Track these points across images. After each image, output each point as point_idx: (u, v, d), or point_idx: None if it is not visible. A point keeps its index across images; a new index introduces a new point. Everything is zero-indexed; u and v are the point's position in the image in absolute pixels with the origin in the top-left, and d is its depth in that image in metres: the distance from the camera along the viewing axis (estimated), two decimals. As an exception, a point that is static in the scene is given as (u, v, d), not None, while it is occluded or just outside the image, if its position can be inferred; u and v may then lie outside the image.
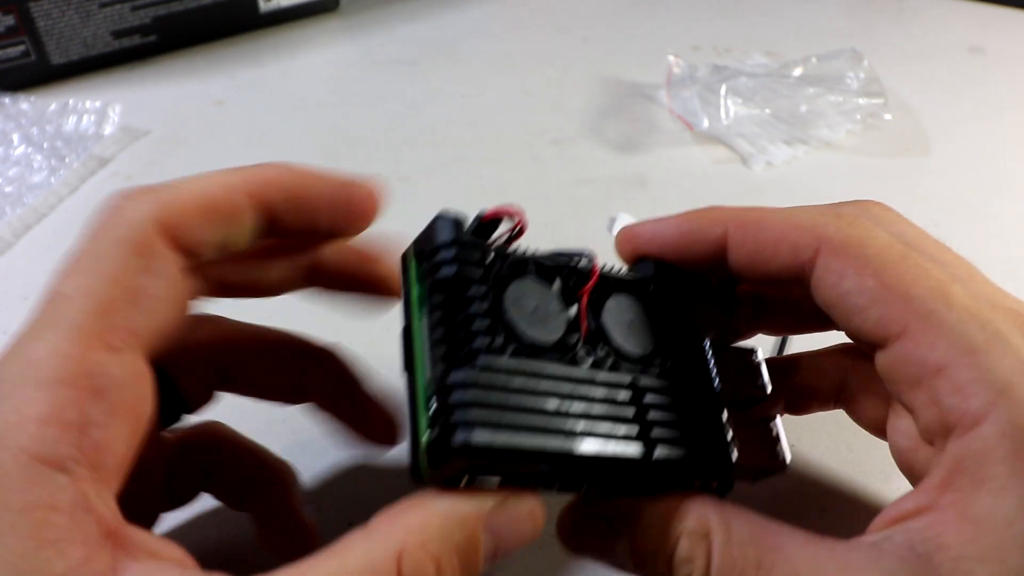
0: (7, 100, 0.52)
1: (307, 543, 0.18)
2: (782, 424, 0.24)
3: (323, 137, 0.50)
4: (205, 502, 0.26)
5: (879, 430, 0.25)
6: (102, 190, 0.45)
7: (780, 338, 0.33)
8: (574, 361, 0.21)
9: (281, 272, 0.24)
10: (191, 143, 0.49)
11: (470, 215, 0.21)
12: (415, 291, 0.21)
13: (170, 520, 0.27)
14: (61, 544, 0.16)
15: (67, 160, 0.47)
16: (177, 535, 0.27)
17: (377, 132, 0.50)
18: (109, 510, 0.17)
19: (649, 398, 0.21)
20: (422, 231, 0.21)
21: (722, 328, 0.24)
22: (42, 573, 0.15)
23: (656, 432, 0.21)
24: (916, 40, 0.62)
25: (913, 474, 0.23)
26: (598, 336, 0.22)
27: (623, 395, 0.21)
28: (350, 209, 0.22)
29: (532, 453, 0.18)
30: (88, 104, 0.52)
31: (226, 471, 0.26)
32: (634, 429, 0.20)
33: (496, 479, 0.19)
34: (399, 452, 0.26)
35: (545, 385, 0.19)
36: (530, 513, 0.19)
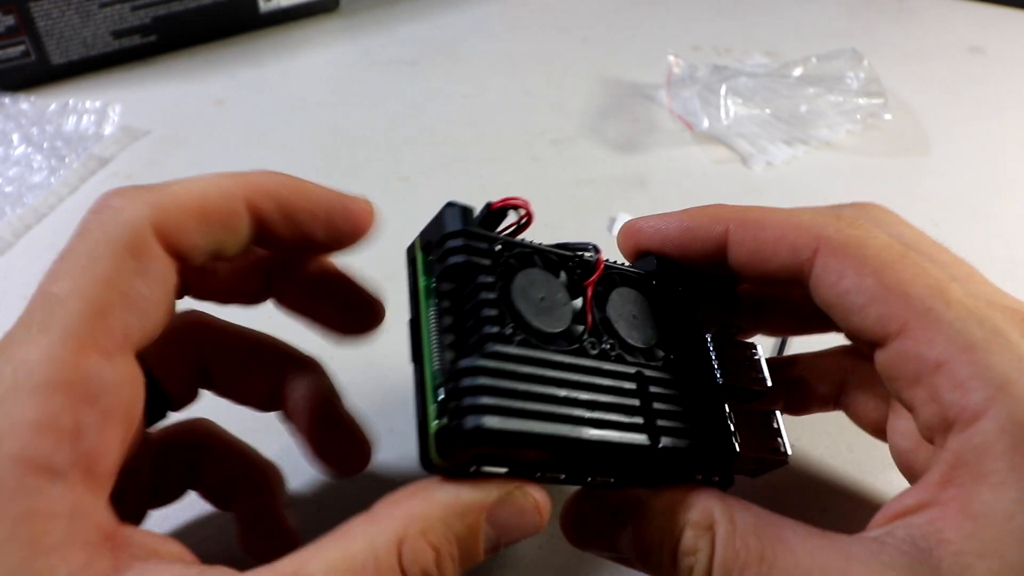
0: (7, 100, 0.52)
1: (288, 549, 0.18)
2: (782, 418, 0.24)
3: (323, 137, 0.50)
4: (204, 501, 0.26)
5: (878, 431, 0.25)
6: (102, 190, 0.45)
7: (780, 339, 0.34)
8: (581, 351, 0.21)
9: (260, 282, 0.24)
10: (191, 143, 0.49)
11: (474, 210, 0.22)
12: (422, 282, 0.21)
13: (171, 519, 0.27)
14: (61, 549, 0.16)
15: (67, 160, 0.47)
16: (177, 532, 0.27)
17: (377, 132, 0.50)
18: (105, 513, 0.17)
19: (654, 389, 0.21)
20: (429, 222, 0.22)
21: (723, 324, 0.24)
22: None
23: (661, 422, 0.21)
24: (916, 40, 0.62)
25: (913, 475, 0.23)
26: (603, 327, 0.22)
27: (629, 385, 0.21)
28: (343, 223, 0.22)
29: (543, 438, 0.19)
30: (88, 104, 0.52)
31: (211, 469, 0.26)
32: (640, 419, 0.21)
33: (504, 470, 0.19)
34: (392, 461, 0.26)
35: (553, 373, 0.20)
36: (535, 507, 0.20)
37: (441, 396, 0.19)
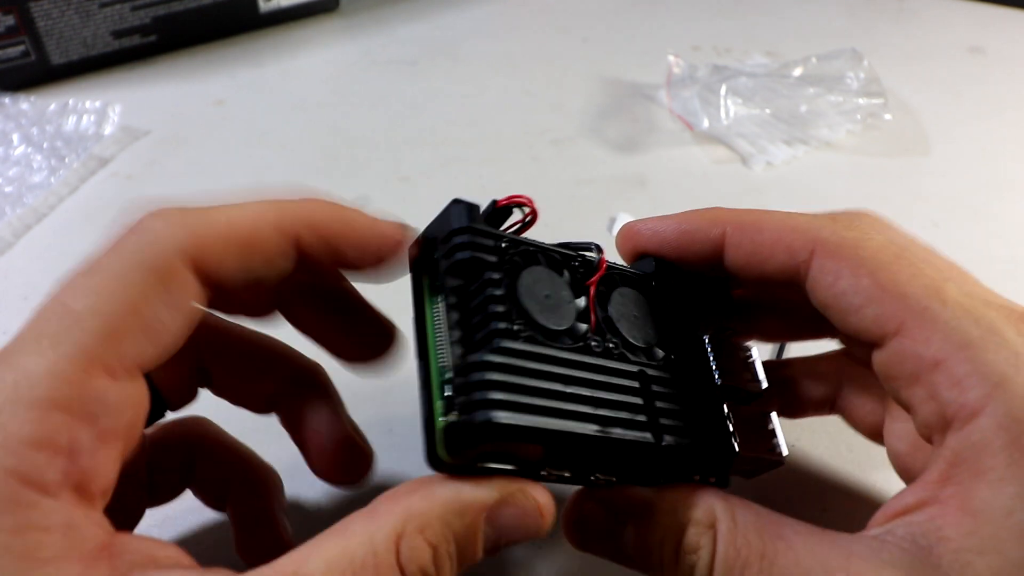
0: (7, 100, 0.52)
1: (283, 554, 0.18)
2: (777, 420, 0.25)
3: (323, 137, 0.50)
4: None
5: (875, 435, 0.25)
6: (102, 190, 0.45)
7: (778, 345, 0.34)
8: (586, 349, 0.21)
9: (270, 299, 0.24)
10: (191, 143, 0.49)
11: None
12: (427, 278, 0.21)
13: (171, 520, 0.27)
14: (56, 562, 0.16)
15: (67, 160, 0.47)
16: (176, 531, 0.27)
17: (377, 132, 0.50)
18: (100, 525, 0.17)
19: (655, 388, 0.21)
20: (434, 219, 0.22)
21: (718, 326, 0.24)
22: None
23: (664, 421, 0.21)
24: (916, 40, 0.62)
25: (911, 477, 0.23)
26: (606, 326, 0.22)
27: (632, 384, 0.21)
28: (389, 253, 0.21)
29: (553, 434, 0.19)
30: (88, 104, 0.52)
31: (206, 469, 0.25)
32: (643, 417, 0.21)
33: (510, 467, 0.19)
34: (392, 461, 0.25)
35: (561, 370, 0.20)
36: (537, 510, 0.20)
37: (448, 392, 0.19)
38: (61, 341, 0.17)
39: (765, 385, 0.24)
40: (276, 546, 0.25)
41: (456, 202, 0.21)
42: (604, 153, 0.49)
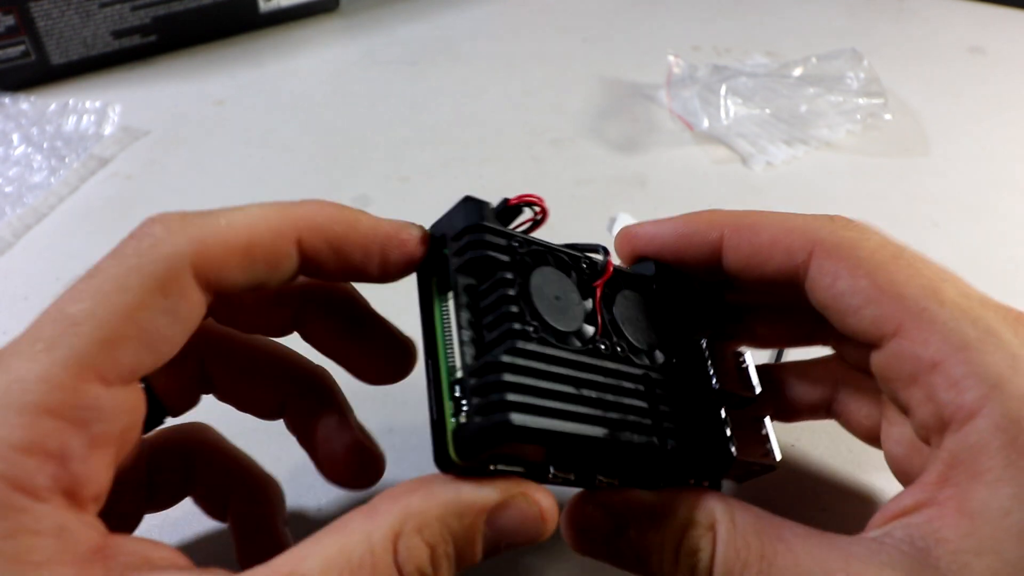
0: (7, 100, 0.52)
1: None
2: (771, 425, 0.25)
3: (323, 137, 0.50)
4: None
5: (872, 439, 0.25)
6: (102, 190, 0.45)
7: (776, 351, 0.34)
8: (595, 351, 0.21)
9: (287, 316, 0.24)
10: (191, 143, 0.49)
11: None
12: (435, 276, 0.21)
13: (170, 522, 0.27)
14: (49, 565, 0.16)
15: (67, 160, 0.47)
16: (174, 532, 0.27)
17: (377, 132, 0.50)
18: (93, 528, 0.17)
19: (658, 391, 0.21)
20: (443, 216, 0.21)
21: (714, 330, 0.24)
22: None
23: (667, 424, 0.21)
24: (916, 40, 0.62)
25: (909, 481, 0.23)
26: (612, 329, 0.22)
27: (637, 387, 0.21)
28: (398, 255, 0.21)
29: (565, 437, 0.18)
30: (88, 104, 0.52)
31: (207, 477, 0.25)
32: (648, 420, 0.21)
33: (519, 469, 0.19)
34: (392, 461, 0.25)
35: (571, 372, 0.20)
36: (538, 515, 0.19)
37: (458, 393, 0.19)
38: (56, 346, 0.17)
39: (759, 390, 0.24)
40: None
41: (467, 199, 0.21)
42: (604, 153, 0.49)
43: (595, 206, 0.44)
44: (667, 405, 0.21)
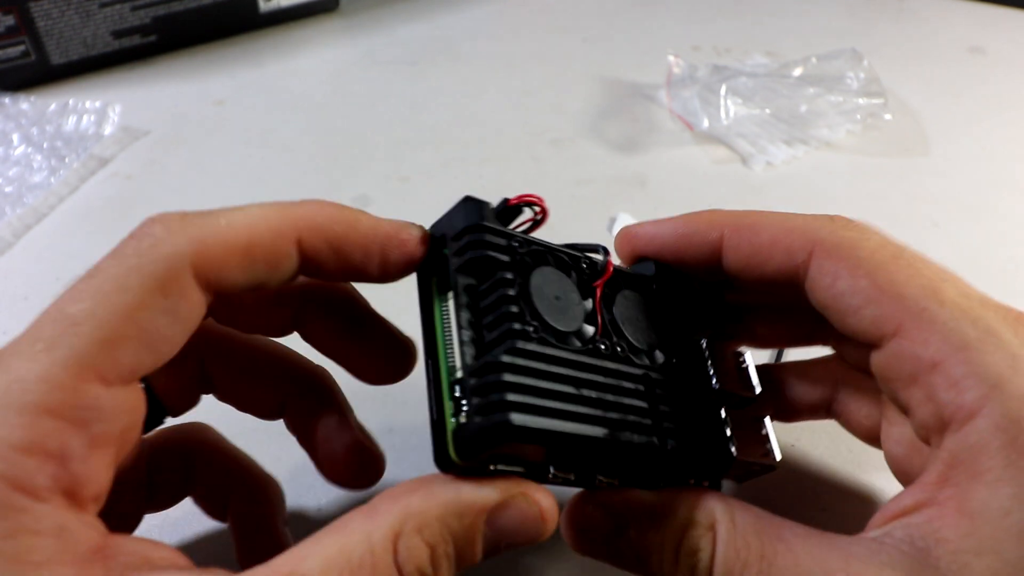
0: (7, 100, 0.52)
1: None
2: (771, 425, 0.25)
3: (323, 137, 0.50)
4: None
5: (872, 439, 0.25)
6: (102, 190, 0.45)
7: (777, 351, 0.34)
8: (595, 351, 0.21)
9: (287, 316, 0.24)
10: (191, 143, 0.49)
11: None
12: (435, 276, 0.21)
13: (170, 522, 0.27)
14: (49, 565, 0.16)
15: (67, 160, 0.47)
16: (174, 532, 0.27)
17: (377, 132, 0.50)
18: (93, 528, 0.17)
19: (659, 391, 0.21)
20: (443, 216, 0.21)
21: (714, 330, 0.24)
22: None
23: (667, 424, 0.21)
24: (916, 40, 0.62)
25: (909, 481, 0.23)
26: (612, 329, 0.22)
27: (637, 387, 0.21)
28: (398, 255, 0.21)
29: (566, 437, 0.18)
30: (88, 104, 0.52)
31: (207, 477, 0.25)
32: (649, 420, 0.21)
33: (519, 469, 0.19)
34: (392, 461, 0.25)
35: (571, 372, 0.20)
36: (538, 515, 0.19)
37: (458, 393, 0.19)
38: (56, 346, 0.17)
39: (759, 390, 0.24)
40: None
41: (467, 199, 0.21)
42: (604, 153, 0.49)
43: (595, 206, 0.44)
44: (667, 405, 0.21)
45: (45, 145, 0.48)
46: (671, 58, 0.53)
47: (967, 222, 0.44)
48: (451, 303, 0.20)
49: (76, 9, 0.53)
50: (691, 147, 0.50)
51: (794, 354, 0.31)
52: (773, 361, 0.33)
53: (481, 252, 0.20)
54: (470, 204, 0.21)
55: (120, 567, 0.17)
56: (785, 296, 0.23)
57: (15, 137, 0.49)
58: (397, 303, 0.24)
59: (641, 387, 0.21)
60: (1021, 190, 0.46)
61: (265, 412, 0.25)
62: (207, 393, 0.25)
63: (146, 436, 0.24)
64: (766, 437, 0.24)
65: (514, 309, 0.19)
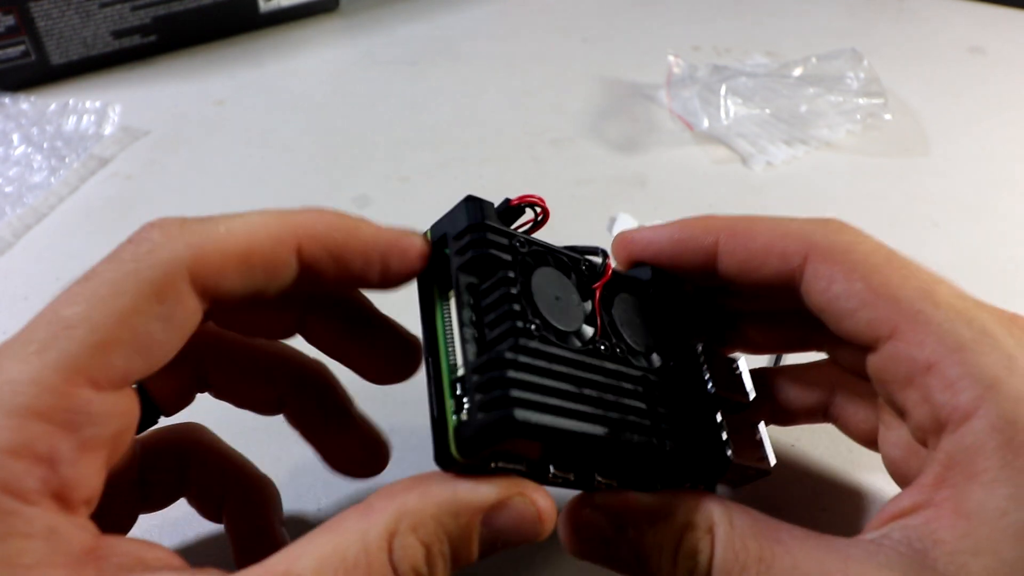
0: (7, 100, 0.52)
1: None
2: (765, 430, 0.25)
3: (323, 137, 0.50)
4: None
5: (869, 442, 0.25)
6: (102, 190, 0.45)
7: (774, 356, 0.34)
8: (595, 352, 0.21)
9: (290, 320, 0.24)
10: (191, 143, 0.49)
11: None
12: (436, 275, 0.21)
13: (169, 522, 0.27)
14: (40, 568, 0.16)
15: (67, 160, 0.47)
16: (171, 533, 0.27)
17: (377, 132, 0.50)
18: (85, 529, 0.17)
19: (657, 393, 0.22)
20: (444, 215, 0.21)
21: (709, 335, 0.24)
22: None
23: (665, 426, 0.21)
24: (916, 40, 0.62)
25: (906, 482, 0.23)
26: (611, 330, 0.22)
27: (636, 388, 0.21)
28: (398, 263, 0.21)
29: (568, 435, 0.19)
30: (88, 104, 0.52)
31: (201, 477, 0.25)
32: (648, 421, 0.21)
33: (520, 467, 0.19)
34: (392, 461, 0.25)
35: (572, 371, 0.20)
36: (535, 515, 0.19)
37: (459, 390, 0.19)
38: (48, 348, 0.17)
39: (753, 395, 0.24)
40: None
41: (469, 199, 0.21)
42: (604, 153, 0.49)
43: (595, 206, 0.44)
44: (665, 407, 0.21)
45: (45, 145, 0.48)
46: (671, 58, 0.53)
47: (967, 222, 0.44)
48: (452, 301, 0.20)
49: (76, 9, 0.53)
50: (691, 147, 0.50)
51: (791, 359, 0.31)
52: (772, 365, 0.33)
53: (483, 251, 0.20)
54: (472, 203, 0.21)
55: (113, 568, 0.17)
56: (780, 301, 0.23)
57: (15, 137, 0.49)
58: (399, 301, 0.24)
59: (640, 388, 0.21)
60: (1021, 190, 0.46)
61: (264, 408, 0.25)
62: (202, 392, 0.25)
63: (139, 436, 0.24)
64: (761, 442, 0.24)
65: (516, 307, 0.19)
